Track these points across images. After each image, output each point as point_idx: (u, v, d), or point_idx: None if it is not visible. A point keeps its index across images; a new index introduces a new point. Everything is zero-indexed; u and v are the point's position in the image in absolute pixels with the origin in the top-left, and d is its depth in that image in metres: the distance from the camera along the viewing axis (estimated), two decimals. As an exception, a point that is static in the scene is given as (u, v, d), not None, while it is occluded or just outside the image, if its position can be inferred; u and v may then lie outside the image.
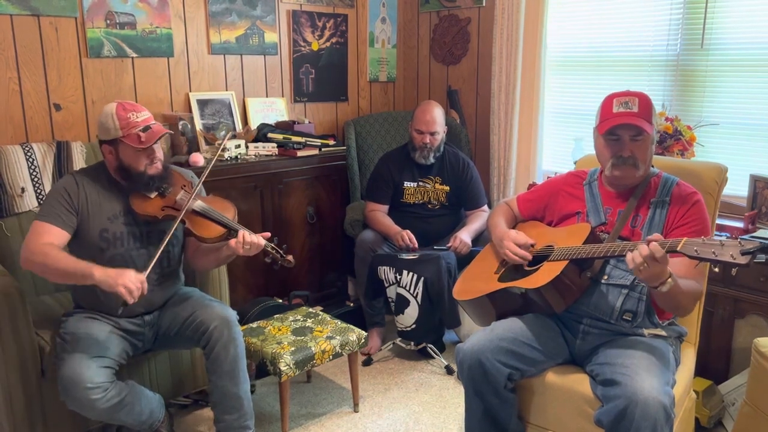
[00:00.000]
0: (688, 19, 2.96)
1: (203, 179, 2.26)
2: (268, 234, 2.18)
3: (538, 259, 1.98)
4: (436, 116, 3.18)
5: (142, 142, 2.05)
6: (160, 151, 2.15)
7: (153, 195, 2.16)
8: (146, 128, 2.08)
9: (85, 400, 1.93)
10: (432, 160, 3.22)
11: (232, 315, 2.21)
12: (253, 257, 2.15)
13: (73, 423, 2.21)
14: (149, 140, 2.07)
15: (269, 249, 2.17)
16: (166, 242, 2.06)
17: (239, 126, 3.50)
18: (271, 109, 3.68)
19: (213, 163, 2.30)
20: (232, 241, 2.10)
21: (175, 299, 2.29)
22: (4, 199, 2.53)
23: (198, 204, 2.18)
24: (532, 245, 2.04)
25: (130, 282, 1.89)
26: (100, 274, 1.90)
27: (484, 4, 3.79)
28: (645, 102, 1.92)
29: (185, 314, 2.20)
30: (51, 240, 2.01)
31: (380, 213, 3.25)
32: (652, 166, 2.05)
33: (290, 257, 2.21)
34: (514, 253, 2.02)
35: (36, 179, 2.61)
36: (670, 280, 1.65)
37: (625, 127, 1.90)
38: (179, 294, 2.31)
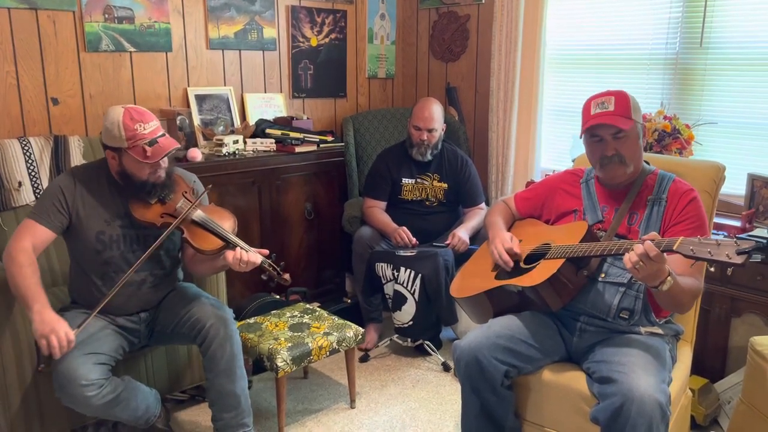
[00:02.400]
0: (688, 18, 2.96)
1: (203, 194, 2.22)
2: (266, 251, 2.15)
3: (535, 257, 1.98)
4: (435, 113, 3.17)
5: (148, 156, 2.01)
6: (165, 160, 2.11)
7: (153, 201, 2.13)
8: (153, 142, 2.02)
9: (80, 397, 1.93)
10: (429, 157, 3.22)
11: (229, 313, 2.20)
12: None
13: (69, 418, 2.21)
14: (155, 156, 2.02)
15: (266, 266, 2.14)
16: (156, 245, 2.05)
17: (237, 121, 3.50)
18: (269, 104, 3.67)
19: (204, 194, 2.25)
20: (229, 255, 2.07)
21: (172, 296, 2.28)
22: (1, 194, 2.52)
23: (198, 214, 2.14)
24: (518, 254, 2.04)
25: (56, 337, 1.83)
26: (36, 314, 1.86)
27: (483, 1, 3.78)
28: (621, 99, 1.92)
29: (181, 311, 2.19)
30: (34, 242, 1.99)
31: (378, 209, 3.24)
32: (647, 163, 2.05)
33: (287, 275, 2.18)
34: (499, 256, 2.04)
35: (33, 173, 2.60)
36: (669, 278, 1.65)
37: (603, 127, 1.91)
38: (176, 290, 2.31)
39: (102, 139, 2.08)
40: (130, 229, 2.15)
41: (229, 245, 2.11)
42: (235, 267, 2.07)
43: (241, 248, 2.08)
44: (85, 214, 2.09)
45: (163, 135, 2.07)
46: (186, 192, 2.21)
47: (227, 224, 2.17)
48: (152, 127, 2.04)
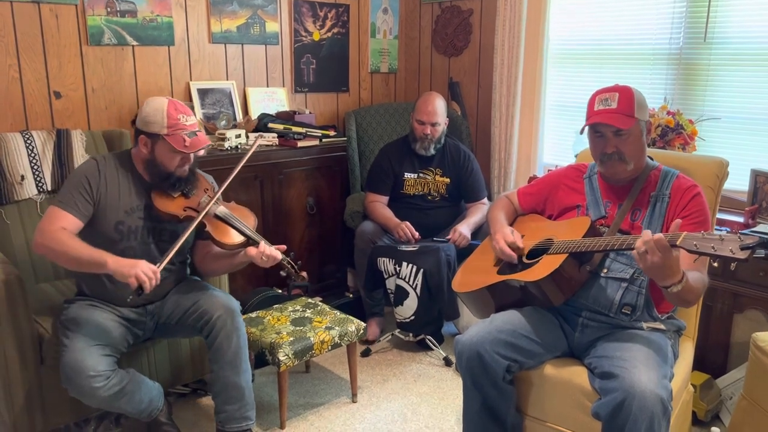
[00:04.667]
0: (692, 13, 2.95)
1: (226, 184, 2.24)
2: (284, 247, 2.20)
3: (538, 252, 1.98)
4: (438, 107, 3.17)
5: (186, 146, 2.06)
6: (192, 156, 2.15)
7: (176, 195, 2.16)
8: (192, 134, 2.07)
9: (87, 388, 1.94)
10: (432, 151, 3.22)
11: (236, 305, 2.21)
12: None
13: (72, 410, 2.21)
14: (193, 147, 2.07)
15: (285, 263, 2.20)
16: (181, 241, 2.06)
17: (240, 116, 3.49)
18: (271, 99, 3.67)
19: (238, 170, 2.30)
20: (252, 250, 2.12)
21: (178, 288, 2.29)
22: (3, 187, 2.53)
23: (220, 209, 2.19)
24: (520, 247, 2.04)
25: (143, 273, 1.89)
26: (114, 263, 1.91)
27: (486, -4, 3.77)
28: (625, 96, 1.91)
29: (188, 303, 2.20)
30: (64, 226, 2.01)
31: (380, 204, 3.24)
32: (651, 159, 2.04)
33: (304, 273, 2.24)
34: (501, 250, 2.03)
35: (36, 167, 2.60)
36: (683, 281, 1.63)
37: (604, 125, 1.90)
38: (182, 282, 2.31)
39: (138, 125, 2.11)
40: (149, 221, 2.17)
41: (251, 241, 2.15)
42: (257, 261, 2.12)
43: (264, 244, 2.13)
44: (106, 203, 2.11)
45: (200, 131, 2.12)
46: (207, 189, 2.26)
47: (249, 221, 2.23)
48: (192, 121, 2.11)
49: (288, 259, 2.22)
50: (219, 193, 2.20)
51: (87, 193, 2.08)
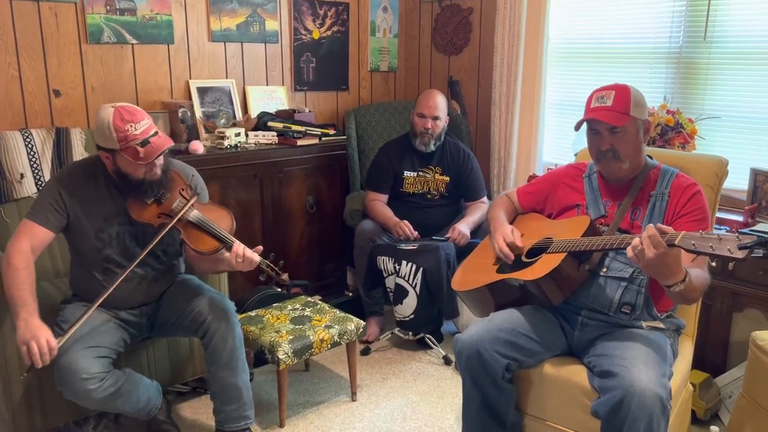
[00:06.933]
0: (691, 11, 2.94)
1: (195, 194, 2.18)
2: (260, 248, 2.13)
3: (537, 251, 1.98)
4: (439, 102, 3.17)
5: (141, 158, 1.97)
6: (160, 158, 2.06)
7: (150, 201, 2.10)
8: (145, 142, 1.97)
9: (81, 390, 1.93)
10: (432, 147, 3.22)
11: (230, 306, 2.20)
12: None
13: (71, 409, 2.21)
14: (148, 157, 1.98)
15: (263, 266, 2.13)
16: (148, 250, 2.04)
17: (239, 114, 3.49)
18: (271, 97, 3.67)
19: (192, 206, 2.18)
20: (227, 253, 2.07)
21: (173, 289, 2.28)
22: (3, 185, 2.53)
23: (194, 214, 2.11)
24: (519, 247, 2.04)
25: (36, 345, 1.82)
26: (22, 322, 1.86)
27: (486, -6, 3.77)
28: (621, 95, 1.91)
29: (183, 305, 2.19)
30: (32, 243, 1.99)
31: (380, 203, 3.24)
32: (650, 158, 2.04)
33: (285, 275, 2.17)
34: (500, 249, 2.03)
35: (35, 165, 2.60)
36: (686, 280, 1.63)
37: (599, 122, 1.90)
38: (177, 283, 2.31)
39: (95, 140, 2.06)
40: (129, 226, 2.14)
41: (227, 245, 2.09)
42: (233, 263, 2.06)
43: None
44: (83, 212, 2.08)
45: (156, 134, 2.02)
46: (183, 189, 2.18)
47: (224, 224, 2.14)
48: (144, 126, 1.99)
49: (267, 262, 2.14)
50: (193, 200, 2.14)
51: (59, 205, 2.04)
